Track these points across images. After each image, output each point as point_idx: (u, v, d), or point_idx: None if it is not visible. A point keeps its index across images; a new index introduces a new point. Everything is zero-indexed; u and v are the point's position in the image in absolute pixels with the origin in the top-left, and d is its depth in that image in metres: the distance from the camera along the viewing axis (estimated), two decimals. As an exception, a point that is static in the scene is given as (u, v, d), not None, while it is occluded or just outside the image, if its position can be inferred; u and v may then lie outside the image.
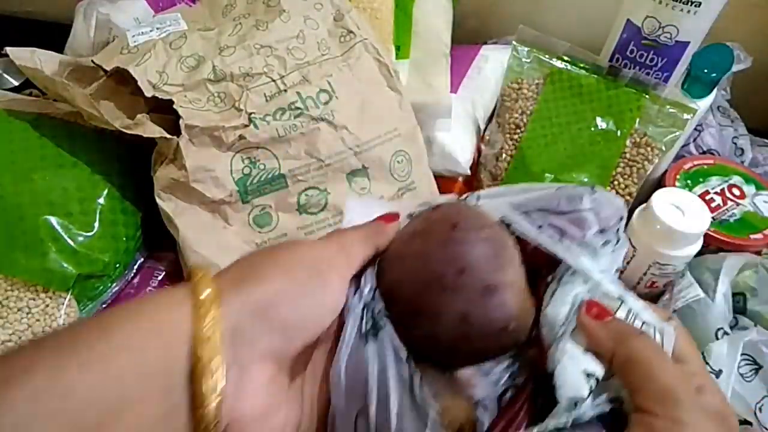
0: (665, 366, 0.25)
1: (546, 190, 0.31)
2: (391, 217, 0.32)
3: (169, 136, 0.43)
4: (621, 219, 0.31)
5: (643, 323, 0.27)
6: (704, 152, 0.62)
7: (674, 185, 0.56)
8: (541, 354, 0.28)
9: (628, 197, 0.54)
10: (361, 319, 0.27)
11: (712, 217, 0.52)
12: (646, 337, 0.26)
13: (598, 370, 0.26)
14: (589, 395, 0.24)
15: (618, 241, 0.30)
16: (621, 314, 0.28)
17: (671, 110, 0.53)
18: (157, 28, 0.49)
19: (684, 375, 0.25)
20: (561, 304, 0.28)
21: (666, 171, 0.58)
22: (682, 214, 0.48)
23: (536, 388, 0.27)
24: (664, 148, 0.54)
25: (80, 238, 0.46)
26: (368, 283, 0.28)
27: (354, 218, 0.32)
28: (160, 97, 0.44)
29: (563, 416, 0.24)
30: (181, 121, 0.43)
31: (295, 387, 0.27)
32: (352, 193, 0.47)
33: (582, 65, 0.55)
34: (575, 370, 0.25)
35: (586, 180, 0.53)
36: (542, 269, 0.30)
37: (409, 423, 0.24)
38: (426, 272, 0.28)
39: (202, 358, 0.22)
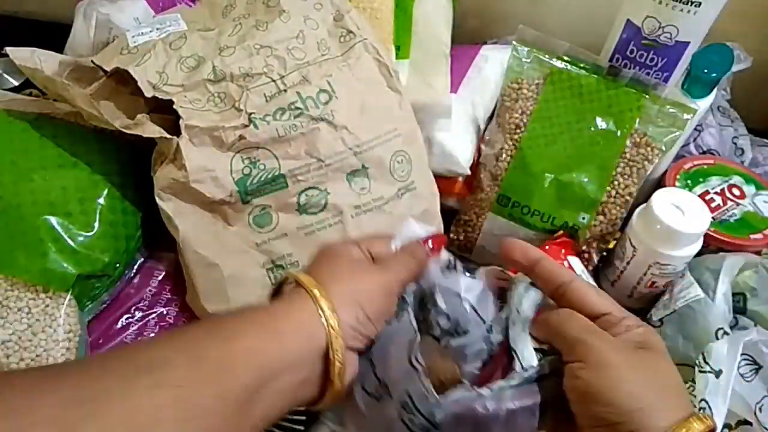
0: (578, 324, 0.32)
1: None
2: (434, 241, 0.41)
3: (169, 136, 0.44)
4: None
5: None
6: (704, 152, 0.62)
7: (674, 185, 0.56)
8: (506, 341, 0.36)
9: (628, 197, 0.54)
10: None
11: (712, 217, 0.52)
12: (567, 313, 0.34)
13: (544, 348, 0.35)
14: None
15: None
16: None
17: (671, 110, 0.53)
18: (157, 29, 0.49)
19: (602, 326, 0.32)
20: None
21: (666, 171, 0.58)
22: (682, 214, 0.48)
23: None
24: (664, 148, 0.54)
25: (80, 238, 0.46)
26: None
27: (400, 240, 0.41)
28: (160, 97, 0.44)
29: (517, 376, 0.33)
30: (181, 121, 0.43)
31: None
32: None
33: (582, 65, 0.55)
34: (530, 348, 0.34)
35: (585, 180, 0.53)
36: None
37: (402, 372, 0.33)
38: None
39: (336, 346, 0.32)
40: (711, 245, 0.53)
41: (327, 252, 0.39)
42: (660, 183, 0.58)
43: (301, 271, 0.36)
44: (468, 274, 0.39)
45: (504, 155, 0.56)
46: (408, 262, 0.38)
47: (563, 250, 0.52)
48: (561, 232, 0.54)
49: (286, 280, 0.37)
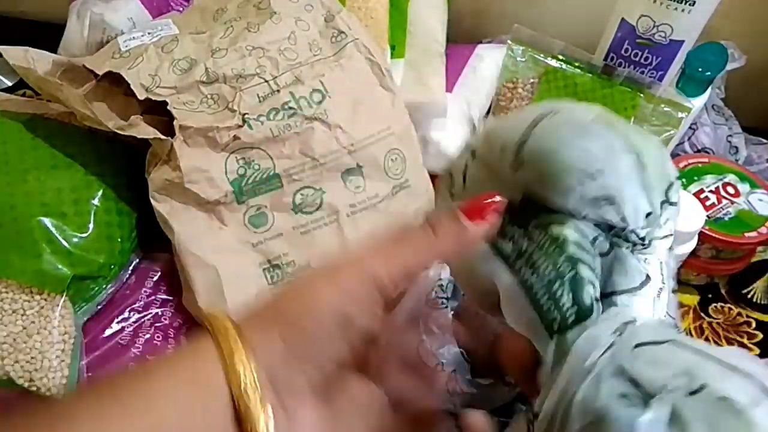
0: None
1: None
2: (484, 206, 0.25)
3: (163, 137, 0.43)
4: None
5: None
6: (699, 151, 0.62)
7: (669, 184, 0.56)
8: None
9: (623, 196, 0.54)
10: None
11: (707, 216, 0.52)
12: None
13: None
14: None
15: None
16: None
17: (666, 109, 0.53)
18: (149, 33, 0.49)
19: None
20: None
21: (661, 169, 0.58)
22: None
23: None
24: (658, 147, 0.54)
25: (75, 240, 0.45)
26: None
27: None
28: (153, 98, 0.44)
29: None
30: (175, 122, 0.43)
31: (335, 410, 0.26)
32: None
33: (577, 64, 0.56)
34: None
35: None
36: None
37: None
38: None
39: (244, 410, 0.22)
40: (705, 243, 0.53)
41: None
42: (655, 181, 0.58)
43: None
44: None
45: (499, 154, 0.56)
46: (398, 243, 0.25)
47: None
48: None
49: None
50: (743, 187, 0.56)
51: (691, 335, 0.54)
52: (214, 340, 0.23)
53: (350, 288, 0.24)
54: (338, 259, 0.25)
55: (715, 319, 0.56)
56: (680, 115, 0.53)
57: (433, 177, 0.55)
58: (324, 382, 0.24)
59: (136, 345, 0.46)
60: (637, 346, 0.22)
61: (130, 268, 0.51)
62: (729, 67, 0.59)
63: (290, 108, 0.47)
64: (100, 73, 0.45)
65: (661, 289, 0.26)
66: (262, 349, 0.23)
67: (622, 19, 0.54)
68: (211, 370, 0.22)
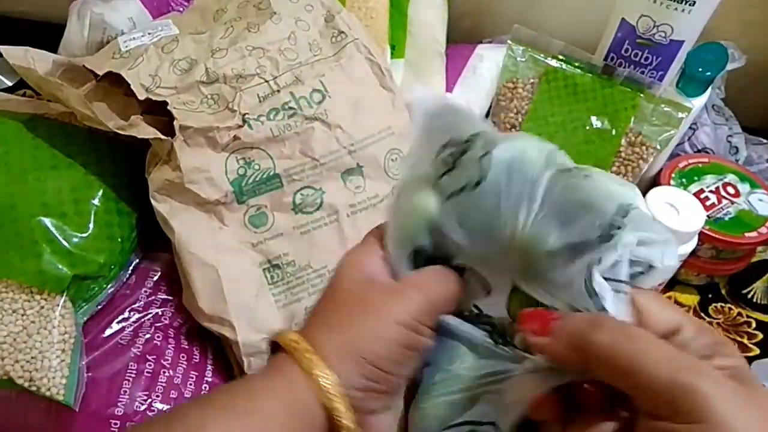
0: (660, 353, 0.20)
1: None
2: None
3: (163, 137, 0.43)
4: None
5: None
6: (699, 151, 0.62)
7: (669, 184, 0.56)
8: None
9: (623, 196, 0.54)
10: None
11: (707, 216, 0.52)
12: (609, 321, 0.22)
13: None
14: None
15: None
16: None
17: (666, 109, 0.53)
18: (149, 33, 0.49)
19: (681, 350, 0.21)
20: None
21: (661, 170, 0.59)
22: (677, 212, 0.49)
23: None
24: (659, 147, 0.54)
25: (75, 240, 0.45)
26: None
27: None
28: (153, 98, 0.44)
29: None
30: (175, 122, 0.43)
31: None
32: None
33: (577, 64, 0.56)
34: None
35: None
36: None
37: None
38: None
39: (340, 408, 0.26)
40: (706, 243, 0.53)
41: (332, 280, 0.31)
42: (655, 182, 0.58)
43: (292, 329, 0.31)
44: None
45: (499, 154, 0.56)
46: (436, 284, 0.29)
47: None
48: (556, 231, 0.54)
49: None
50: (743, 187, 0.56)
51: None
52: (292, 358, 0.27)
53: (416, 313, 0.28)
54: (388, 285, 0.29)
55: (715, 319, 0.56)
56: (680, 115, 0.53)
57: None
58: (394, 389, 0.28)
59: (136, 345, 0.46)
60: None
61: (130, 268, 0.51)
62: (729, 67, 0.59)
63: (290, 108, 0.47)
64: (101, 73, 0.45)
65: None
66: (340, 370, 0.26)
67: (622, 19, 0.54)
68: (301, 391, 0.26)
